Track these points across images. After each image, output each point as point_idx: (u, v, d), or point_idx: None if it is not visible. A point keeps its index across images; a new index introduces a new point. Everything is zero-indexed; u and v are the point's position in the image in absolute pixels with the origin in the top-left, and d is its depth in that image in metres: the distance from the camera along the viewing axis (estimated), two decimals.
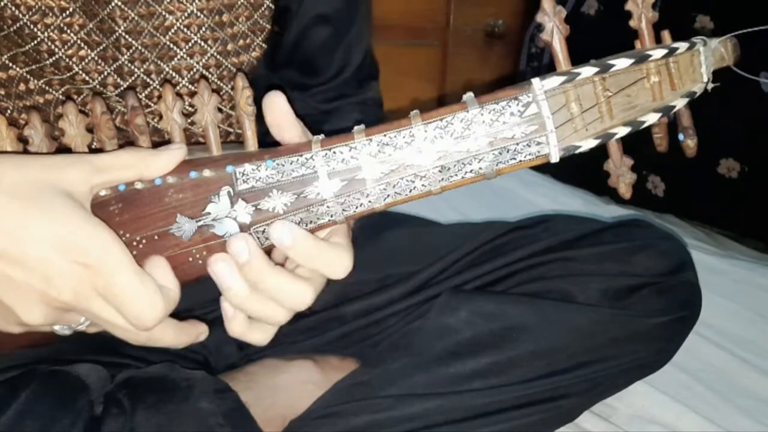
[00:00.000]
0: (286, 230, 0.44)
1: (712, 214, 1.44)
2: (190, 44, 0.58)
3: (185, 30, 0.57)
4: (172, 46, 0.57)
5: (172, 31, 0.57)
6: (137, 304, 0.42)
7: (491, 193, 1.29)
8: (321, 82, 0.76)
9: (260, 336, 0.48)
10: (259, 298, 0.46)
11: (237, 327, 0.47)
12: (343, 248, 0.47)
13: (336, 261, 0.46)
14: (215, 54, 0.59)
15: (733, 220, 1.44)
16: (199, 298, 0.67)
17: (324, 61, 0.74)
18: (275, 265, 0.46)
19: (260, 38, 0.63)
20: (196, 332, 0.49)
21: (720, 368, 0.92)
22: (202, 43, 0.58)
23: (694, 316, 0.73)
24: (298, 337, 0.75)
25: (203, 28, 0.58)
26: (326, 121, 0.75)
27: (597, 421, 0.81)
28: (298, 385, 0.69)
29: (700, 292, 0.74)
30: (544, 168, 1.41)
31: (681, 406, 0.84)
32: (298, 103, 0.76)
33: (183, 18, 0.57)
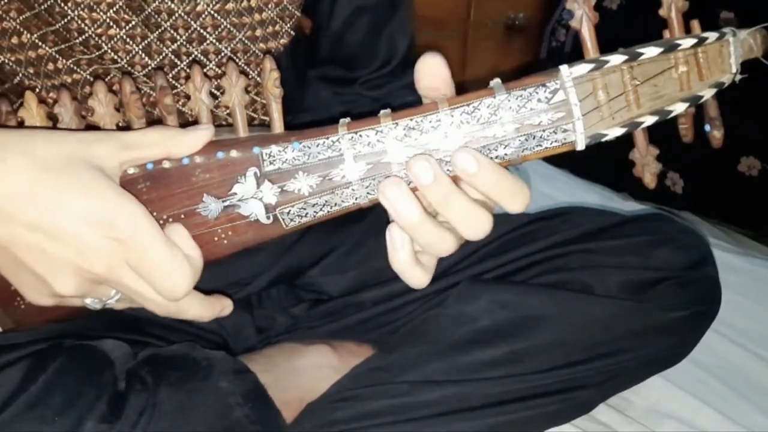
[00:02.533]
0: (470, 157, 0.43)
1: (731, 212, 1.43)
2: (219, 29, 0.58)
3: (215, 15, 0.57)
4: (201, 30, 0.58)
5: (203, 17, 0.57)
6: (169, 276, 0.43)
7: None
8: (366, 73, 0.76)
9: (421, 276, 0.46)
10: (433, 224, 0.44)
11: (403, 257, 0.44)
12: (522, 181, 0.45)
13: (518, 191, 0.44)
14: (243, 39, 0.59)
15: (752, 218, 1.42)
16: (222, 280, 0.68)
17: (367, 53, 0.74)
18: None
19: (288, 25, 0.63)
20: (220, 306, 0.50)
21: (738, 365, 0.92)
22: (231, 28, 0.58)
23: (713, 311, 0.73)
24: (316, 322, 0.75)
25: (232, 14, 0.58)
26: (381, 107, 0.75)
27: (612, 413, 0.81)
28: (316, 368, 0.70)
29: (720, 287, 0.73)
30: (562, 162, 1.40)
31: (697, 402, 0.83)
32: (346, 96, 0.76)
33: (213, 3, 0.57)
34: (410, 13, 0.77)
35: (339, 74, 0.75)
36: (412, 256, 0.45)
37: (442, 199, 0.43)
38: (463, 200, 0.43)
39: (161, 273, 0.43)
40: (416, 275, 0.46)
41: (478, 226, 0.44)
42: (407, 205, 0.43)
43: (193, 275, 0.44)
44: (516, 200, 0.44)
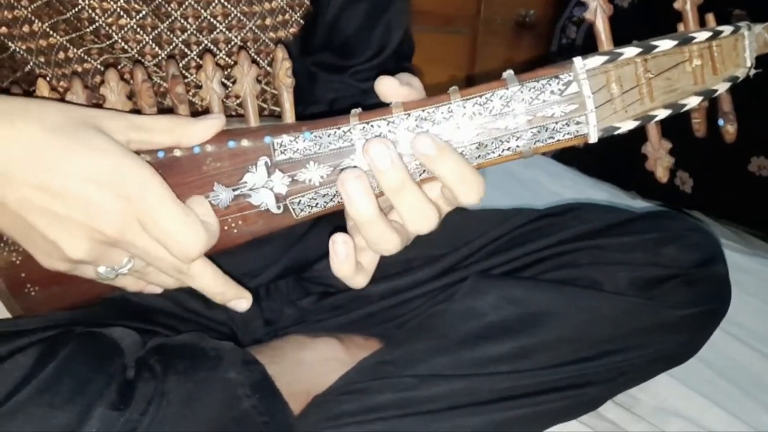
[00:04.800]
0: (429, 140, 0.43)
1: (741, 213, 1.42)
2: (229, 18, 0.58)
3: (225, 3, 0.57)
4: (211, 19, 0.57)
5: (213, 5, 0.57)
6: (181, 233, 0.43)
7: (516, 182, 1.28)
8: (358, 63, 0.75)
9: (361, 280, 0.48)
10: (384, 223, 0.45)
11: (346, 269, 0.46)
12: (479, 173, 0.45)
13: (474, 181, 0.44)
14: (253, 28, 0.59)
15: (762, 218, 1.41)
16: (231, 271, 0.68)
17: (361, 41, 0.74)
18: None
19: (298, 14, 0.63)
20: (236, 290, 0.49)
21: (746, 365, 0.91)
22: (241, 17, 0.58)
23: (722, 309, 0.73)
24: (324, 315, 0.75)
25: (242, 3, 0.58)
26: (366, 100, 0.74)
27: (620, 411, 0.80)
28: (323, 361, 0.70)
29: (730, 285, 0.73)
30: (570, 160, 1.39)
31: (705, 401, 0.83)
32: (336, 84, 0.76)
33: None
34: (407, 5, 0.77)
35: (331, 61, 0.75)
36: (354, 266, 0.47)
37: (396, 186, 0.44)
38: (416, 191, 0.44)
39: (173, 231, 0.43)
40: (357, 280, 0.48)
41: (425, 221, 0.45)
42: (365, 200, 0.44)
43: (207, 237, 0.44)
44: (472, 191, 0.45)
